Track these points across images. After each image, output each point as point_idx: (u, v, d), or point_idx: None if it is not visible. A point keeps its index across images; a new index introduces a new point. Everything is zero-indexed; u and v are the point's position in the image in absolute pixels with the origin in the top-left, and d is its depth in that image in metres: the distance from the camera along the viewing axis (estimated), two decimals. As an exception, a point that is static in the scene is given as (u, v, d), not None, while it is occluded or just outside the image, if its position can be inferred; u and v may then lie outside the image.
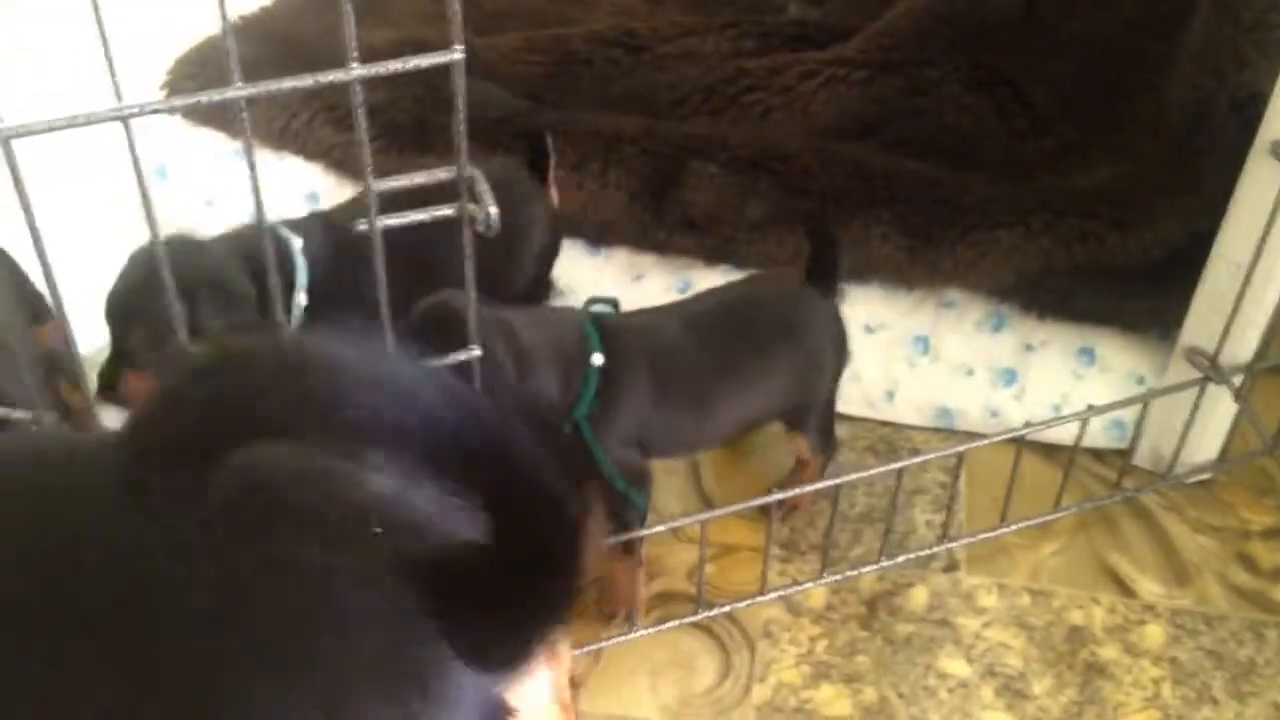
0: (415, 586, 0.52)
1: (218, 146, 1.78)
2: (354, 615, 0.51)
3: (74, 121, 0.80)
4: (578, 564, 0.53)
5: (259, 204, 0.92)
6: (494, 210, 0.94)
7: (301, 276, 1.39)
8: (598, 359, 1.31)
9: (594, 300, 1.43)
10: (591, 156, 1.68)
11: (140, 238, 1.66)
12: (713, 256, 1.67)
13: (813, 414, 1.47)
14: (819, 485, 1.43)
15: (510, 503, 0.50)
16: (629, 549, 1.38)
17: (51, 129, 0.78)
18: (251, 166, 0.89)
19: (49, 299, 0.88)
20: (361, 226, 0.93)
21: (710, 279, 1.68)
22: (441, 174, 0.93)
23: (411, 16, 1.99)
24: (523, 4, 2.09)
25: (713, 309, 1.44)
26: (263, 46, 1.80)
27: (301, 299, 1.39)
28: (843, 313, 1.47)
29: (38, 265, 0.86)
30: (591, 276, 1.72)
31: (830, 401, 1.49)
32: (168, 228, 0.97)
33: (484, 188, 0.94)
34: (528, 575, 0.52)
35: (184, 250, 1.32)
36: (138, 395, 1.35)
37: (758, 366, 1.41)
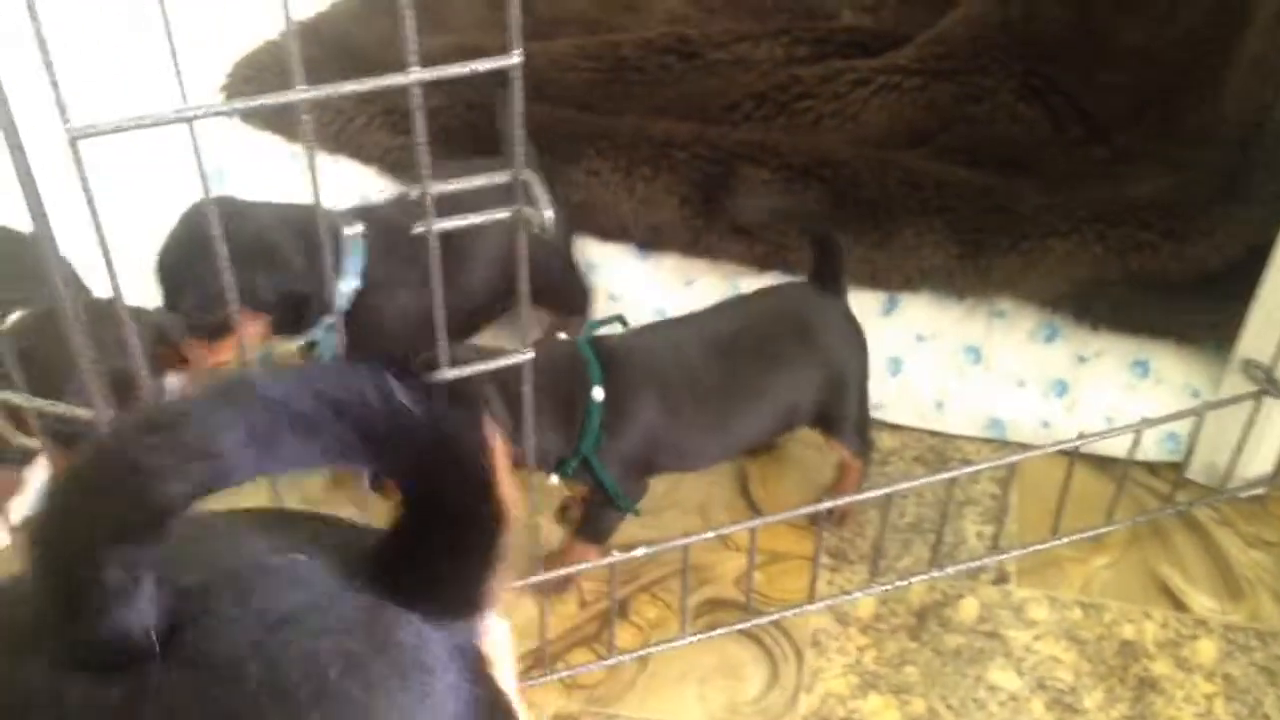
0: (367, 581, 0.52)
1: (275, 149, 1.79)
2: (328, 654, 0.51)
3: (141, 122, 0.81)
4: (493, 506, 0.54)
5: (318, 203, 0.92)
6: (549, 214, 0.94)
7: (357, 263, 1.41)
8: (598, 394, 1.31)
9: (598, 322, 1.42)
10: (642, 162, 1.68)
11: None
12: (764, 263, 1.66)
13: (844, 418, 1.46)
14: (869, 494, 1.42)
15: (412, 471, 0.52)
16: (598, 538, 1.40)
17: (119, 129, 0.79)
18: (312, 168, 0.90)
19: (112, 296, 0.90)
20: (419, 229, 0.94)
21: (761, 285, 1.68)
22: (499, 177, 0.94)
23: (467, 23, 2.00)
24: (575, 11, 2.09)
25: (723, 320, 1.44)
26: (318, 51, 1.81)
27: (355, 283, 1.40)
28: (853, 312, 1.47)
29: (101, 263, 0.88)
30: (642, 281, 1.73)
31: (861, 403, 1.48)
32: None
33: (539, 190, 0.95)
34: (449, 527, 0.54)
35: (236, 216, 1.33)
36: (187, 359, 1.36)
37: (771, 376, 1.41)
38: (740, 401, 1.39)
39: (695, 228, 1.67)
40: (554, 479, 1.31)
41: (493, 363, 1.07)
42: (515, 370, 1.16)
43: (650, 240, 1.72)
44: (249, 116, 1.80)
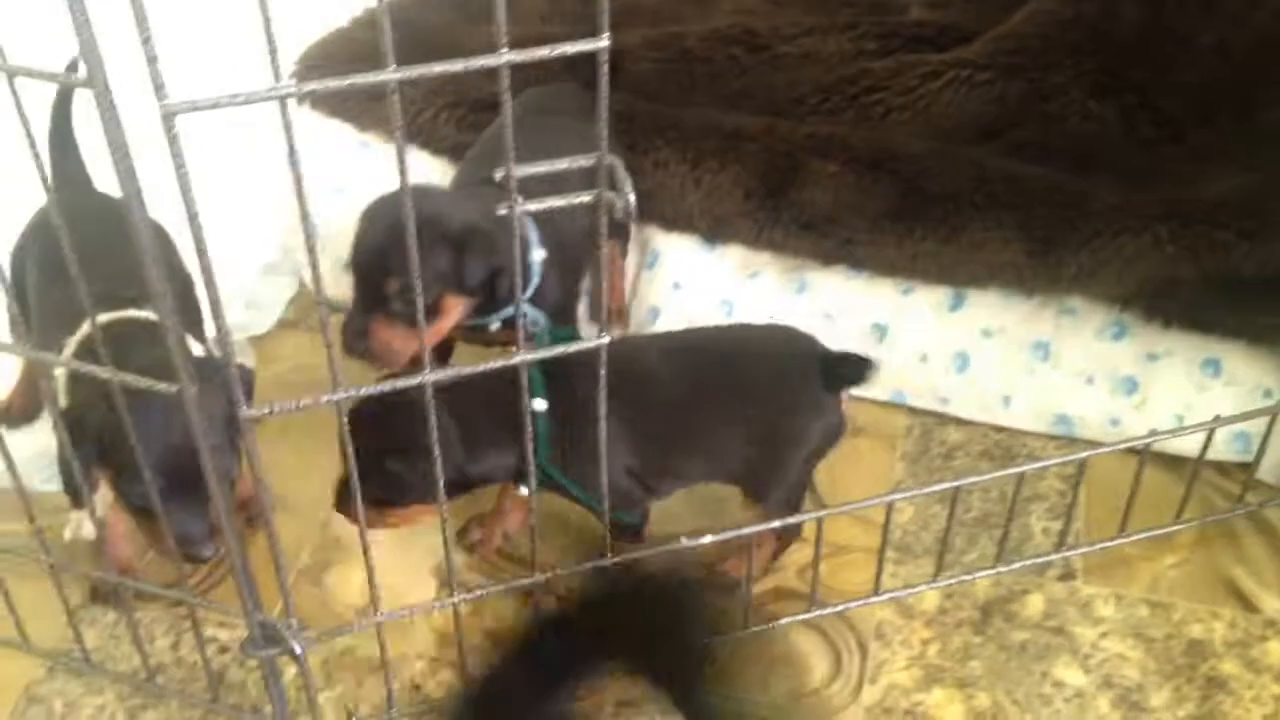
0: None
1: (345, 138, 1.81)
2: None
3: (234, 100, 0.82)
4: None
5: (405, 183, 0.93)
6: (632, 197, 0.95)
7: (536, 234, 1.42)
8: (539, 404, 1.28)
9: (560, 334, 1.42)
10: (709, 154, 1.68)
11: (280, 216, 1.70)
12: (829, 257, 1.66)
13: (776, 488, 1.39)
14: (935, 488, 1.42)
15: None
16: (626, 538, 1.37)
17: (216, 106, 0.80)
18: (400, 150, 0.91)
19: (199, 272, 0.91)
20: (502, 211, 0.95)
21: (827, 279, 1.68)
22: (582, 161, 0.94)
23: (529, 15, 2.01)
24: (642, 2, 2.10)
25: (696, 339, 1.43)
26: (391, 37, 1.82)
27: (543, 253, 1.42)
28: (845, 409, 1.39)
29: (191, 239, 0.89)
30: (706, 272, 1.73)
31: (803, 483, 1.41)
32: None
33: (622, 174, 0.96)
34: None
35: (440, 201, 1.36)
36: (388, 347, 1.34)
37: (739, 404, 1.35)
38: (707, 423, 1.35)
39: (759, 220, 1.67)
40: (523, 490, 1.26)
41: (573, 346, 1.08)
42: (459, 388, 1.15)
43: (715, 231, 1.72)
44: (318, 104, 1.82)
